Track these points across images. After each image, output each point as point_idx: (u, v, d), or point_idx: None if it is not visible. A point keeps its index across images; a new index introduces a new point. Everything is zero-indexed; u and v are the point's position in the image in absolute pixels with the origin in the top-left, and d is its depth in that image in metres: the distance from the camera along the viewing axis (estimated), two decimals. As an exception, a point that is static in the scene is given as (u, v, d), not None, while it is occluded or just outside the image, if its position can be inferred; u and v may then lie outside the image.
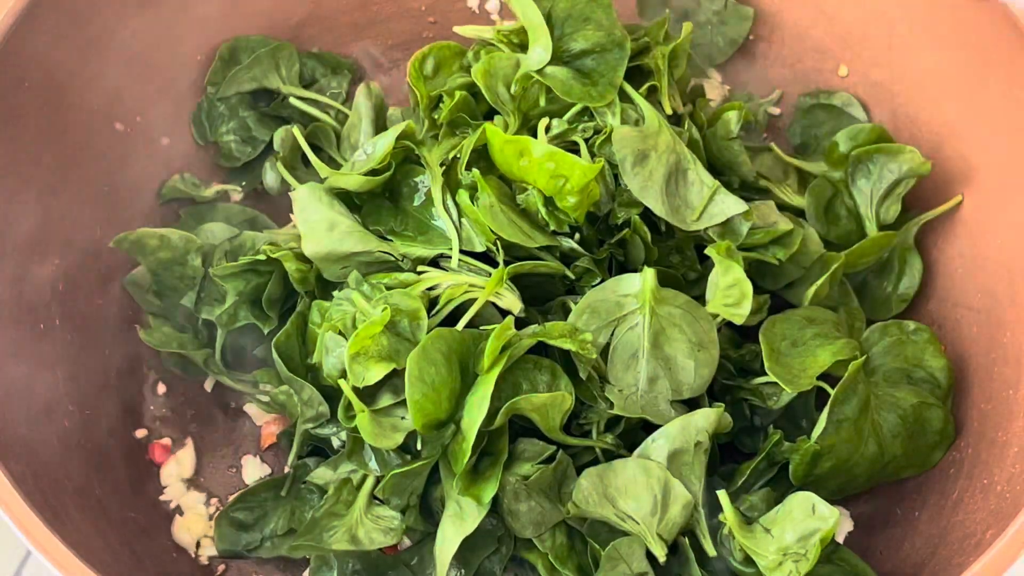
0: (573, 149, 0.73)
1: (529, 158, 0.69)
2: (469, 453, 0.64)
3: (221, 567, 0.76)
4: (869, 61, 0.84)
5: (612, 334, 0.70)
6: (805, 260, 0.76)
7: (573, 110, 0.74)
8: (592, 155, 0.73)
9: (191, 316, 0.81)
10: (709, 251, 0.69)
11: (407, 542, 0.74)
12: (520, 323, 0.70)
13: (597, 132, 0.73)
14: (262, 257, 0.75)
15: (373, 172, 0.74)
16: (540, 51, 0.73)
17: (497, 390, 0.64)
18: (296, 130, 0.81)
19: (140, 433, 0.80)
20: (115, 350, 0.79)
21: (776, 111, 0.91)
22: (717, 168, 0.79)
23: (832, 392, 0.68)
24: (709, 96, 0.90)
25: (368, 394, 0.67)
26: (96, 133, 0.78)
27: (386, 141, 0.74)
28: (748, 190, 0.79)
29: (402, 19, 0.93)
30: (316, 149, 0.86)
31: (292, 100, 0.86)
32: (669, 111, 0.76)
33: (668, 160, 0.71)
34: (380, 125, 0.83)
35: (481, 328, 0.68)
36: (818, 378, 0.69)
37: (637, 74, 0.78)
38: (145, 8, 0.78)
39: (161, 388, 0.82)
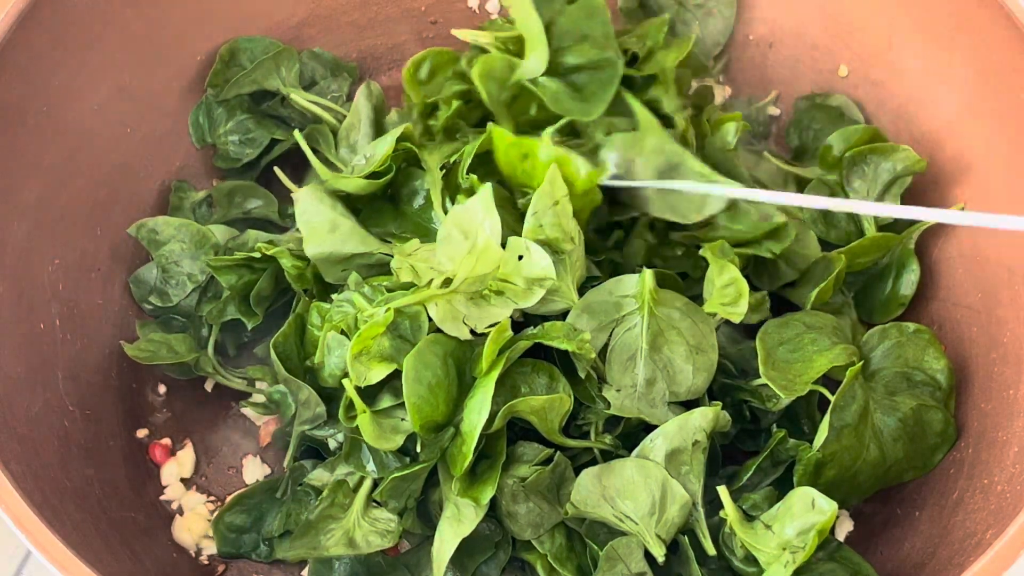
0: None
1: (534, 161, 0.69)
2: (470, 457, 0.64)
3: (221, 567, 0.76)
4: (869, 61, 0.84)
5: (610, 335, 0.70)
6: (802, 262, 0.76)
7: (561, 122, 0.74)
8: None
9: (192, 316, 0.81)
10: (704, 252, 0.70)
11: (407, 544, 0.74)
12: (517, 325, 0.70)
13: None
14: (257, 254, 0.76)
15: (374, 175, 0.74)
16: (536, 60, 0.73)
17: (495, 393, 0.64)
18: (298, 135, 0.81)
19: (140, 433, 0.80)
20: (115, 350, 0.79)
21: (776, 111, 0.91)
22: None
23: (832, 398, 0.68)
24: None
25: (369, 395, 0.67)
26: (96, 133, 0.78)
27: (386, 144, 0.74)
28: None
29: (402, 19, 0.93)
30: (313, 151, 0.86)
31: (292, 99, 0.86)
32: (682, 121, 0.76)
33: (656, 162, 0.71)
34: (379, 126, 0.83)
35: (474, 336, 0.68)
36: (820, 382, 0.69)
37: (635, 78, 0.78)
38: (145, 8, 0.78)
39: (161, 388, 0.82)
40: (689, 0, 0.89)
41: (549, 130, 0.73)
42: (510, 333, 0.66)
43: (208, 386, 0.83)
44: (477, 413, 0.64)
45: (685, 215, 0.72)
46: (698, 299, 0.73)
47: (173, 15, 0.81)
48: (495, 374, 0.64)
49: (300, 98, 0.85)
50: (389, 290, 0.69)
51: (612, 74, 0.75)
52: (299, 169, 0.87)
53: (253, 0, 0.86)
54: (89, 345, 0.77)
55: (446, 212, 0.72)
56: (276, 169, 0.82)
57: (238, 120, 0.85)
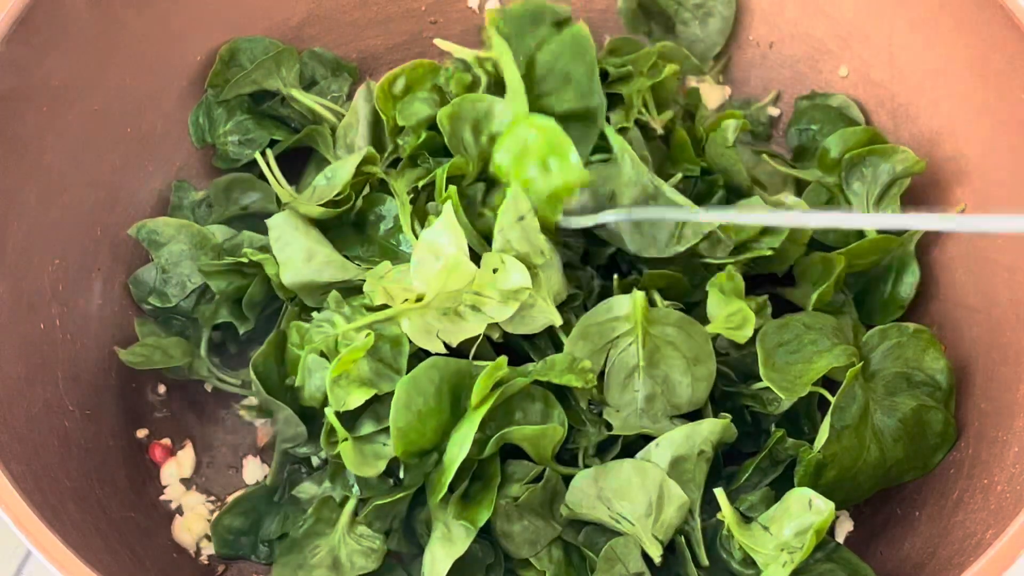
0: None
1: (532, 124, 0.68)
2: (445, 488, 0.64)
3: (221, 567, 0.76)
4: (869, 61, 0.84)
5: (606, 357, 0.70)
6: (803, 236, 0.75)
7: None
8: None
9: (192, 316, 0.81)
10: (710, 288, 0.70)
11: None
12: (499, 348, 0.70)
13: None
14: (244, 260, 0.75)
15: (334, 203, 0.74)
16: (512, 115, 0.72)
17: (489, 418, 0.64)
18: (259, 155, 0.81)
19: (140, 433, 0.80)
20: (115, 351, 0.79)
21: (775, 111, 0.91)
22: (715, 172, 0.79)
23: (832, 399, 0.68)
24: (710, 99, 0.90)
25: (350, 420, 0.67)
26: (96, 133, 0.78)
27: (346, 170, 0.74)
28: (744, 196, 0.79)
29: (402, 19, 0.93)
30: (311, 152, 0.86)
31: (293, 99, 0.86)
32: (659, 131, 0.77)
33: (630, 196, 0.71)
34: (377, 126, 0.83)
35: (475, 363, 0.68)
36: (820, 383, 0.69)
37: (614, 100, 0.78)
38: (145, 8, 0.78)
39: (161, 388, 0.82)
40: (688, 0, 0.89)
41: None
42: (506, 370, 0.66)
43: (208, 386, 0.83)
44: (458, 447, 0.63)
45: (663, 249, 0.72)
46: (699, 304, 0.73)
47: (173, 15, 0.81)
48: (483, 410, 0.64)
49: (302, 97, 0.85)
50: (369, 309, 0.69)
51: (589, 130, 0.73)
52: (298, 169, 0.87)
53: (253, 0, 0.86)
54: (89, 345, 0.77)
55: (416, 237, 0.72)
56: (261, 162, 0.81)
57: (238, 120, 0.85)
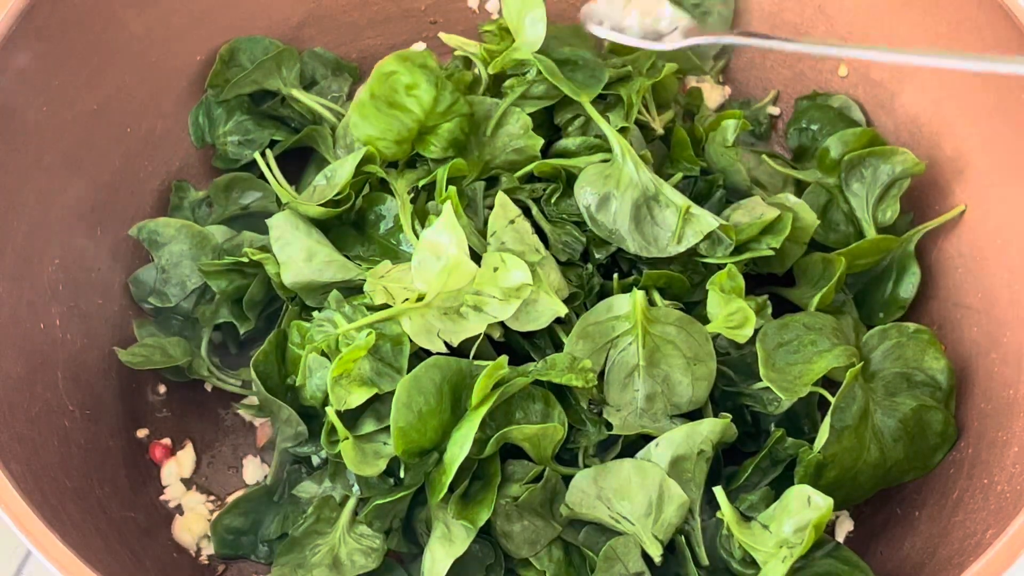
0: (524, 208, 0.74)
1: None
2: (445, 488, 0.64)
3: (221, 567, 0.76)
4: (869, 61, 0.84)
5: (606, 357, 0.70)
6: (803, 235, 0.76)
7: (524, 170, 0.74)
8: (544, 214, 0.74)
9: (191, 316, 0.81)
10: (710, 287, 0.70)
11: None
12: (500, 347, 0.69)
13: (554, 191, 0.75)
14: (245, 259, 0.75)
15: (334, 202, 0.74)
16: (534, 28, 0.74)
17: (490, 417, 0.64)
18: (261, 155, 0.81)
19: (140, 433, 0.80)
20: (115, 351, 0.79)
21: (776, 111, 0.91)
22: (715, 172, 0.79)
23: (832, 399, 0.68)
24: (710, 99, 0.90)
25: (350, 419, 0.67)
26: (96, 133, 0.78)
27: (346, 170, 0.74)
28: (743, 196, 0.79)
29: (402, 19, 0.93)
30: (311, 152, 0.86)
31: (293, 99, 0.86)
32: (660, 130, 0.79)
33: (632, 195, 0.72)
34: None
35: (476, 363, 0.68)
36: (821, 383, 0.69)
37: (614, 100, 0.78)
38: (145, 8, 0.78)
39: (161, 388, 0.82)
40: (687, 0, 0.89)
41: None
42: (507, 370, 0.66)
43: (208, 386, 0.83)
44: (459, 447, 0.64)
45: (663, 248, 0.72)
46: (699, 303, 0.73)
47: (173, 15, 0.81)
48: (483, 410, 0.64)
49: (302, 97, 0.85)
50: (370, 308, 0.69)
51: (600, 67, 0.75)
52: (298, 169, 0.87)
53: (253, 0, 0.86)
54: (89, 345, 0.77)
55: (416, 236, 0.72)
56: (261, 162, 0.81)
57: (238, 121, 0.85)
